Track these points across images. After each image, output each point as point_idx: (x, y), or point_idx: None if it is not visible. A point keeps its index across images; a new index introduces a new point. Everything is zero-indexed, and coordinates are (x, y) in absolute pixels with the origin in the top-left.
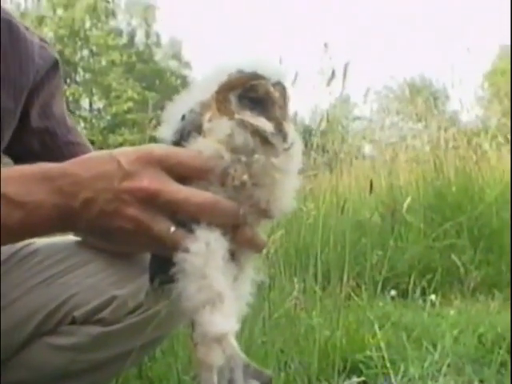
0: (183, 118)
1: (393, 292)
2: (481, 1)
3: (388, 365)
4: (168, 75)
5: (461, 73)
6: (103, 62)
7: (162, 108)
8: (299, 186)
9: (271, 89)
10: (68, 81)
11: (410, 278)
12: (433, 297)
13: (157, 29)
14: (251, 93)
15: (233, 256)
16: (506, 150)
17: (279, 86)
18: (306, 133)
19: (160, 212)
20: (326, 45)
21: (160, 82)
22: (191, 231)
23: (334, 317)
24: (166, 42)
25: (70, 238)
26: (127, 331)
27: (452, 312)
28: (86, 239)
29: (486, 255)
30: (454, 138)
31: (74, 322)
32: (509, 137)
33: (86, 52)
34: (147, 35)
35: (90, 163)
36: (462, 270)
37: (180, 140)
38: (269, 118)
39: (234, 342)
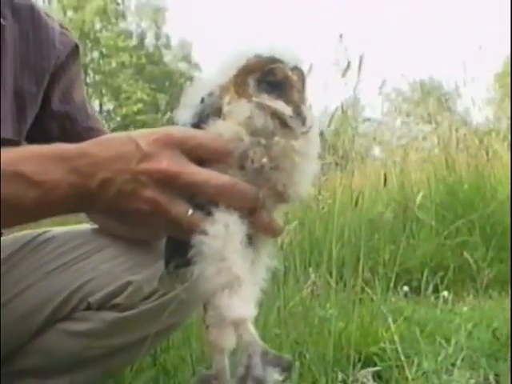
0: (202, 100)
1: (405, 288)
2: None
3: (402, 358)
4: (177, 77)
5: (472, 71)
6: (113, 64)
7: (172, 109)
8: (317, 170)
9: (289, 72)
10: None
11: (422, 275)
12: (445, 293)
13: (166, 31)
14: (269, 76)
15: (250, 240)
16: None
17: (297, 70)
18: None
19: (178, 194)
20: (341, 36)
21: (170, 84)
22: (208, 214)
23: (349, 309)
24: (175, 44)
25: (85, 226)
26: (142, 317)
27: (465, 308)
28: (101, 225)
29: (498, 253)
30: (465, 138)
31: (89, 307)
32: None
33: (96, 54)
34: (157, 37)
35: (108, 144)
36: (474, 267)
37: (199, 122)
38: (287, 102)
39: (252, 328)
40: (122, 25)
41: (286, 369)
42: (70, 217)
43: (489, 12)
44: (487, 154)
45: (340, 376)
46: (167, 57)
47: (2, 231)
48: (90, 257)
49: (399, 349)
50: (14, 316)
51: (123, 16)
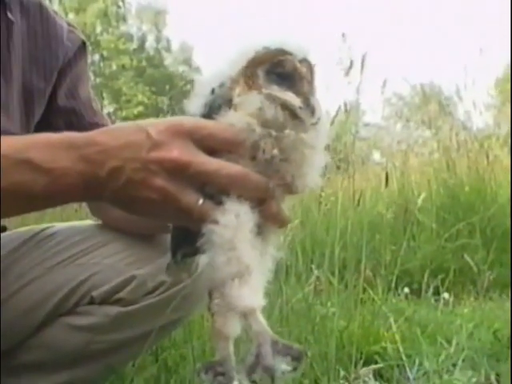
0: (213, 91)
1: (406, 290)
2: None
3: (403, 357)
4: (178, 80)
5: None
6: (114, 67)
7: (173, 113)
8: (325, 162)
9: (298, 64)
10: None
11: (422, 277)
12: (446, 295)
13: (167, 34)
14: (278, 68)
15: (259, 230)
16: None
17: (306, 61)
18: None
19: (189, 184)
20: (343, 35)
21: (170, 87)
22: (218, 204)
23: (350, 308)
24: (176, 47)
25: (89, 221)
26: (146, 312)
27: (466, 310)
28: (104, 220)
29: (498, 255)
30: (466, 143)
31: (92, 302)
32: None
33: (96, 56)
34: (158, 40)
35: (117, 133)
36: (474, 270)
37: (210, 113)
38: (296, 93)
39: (261, 318)
40: (122, 28)
41: (296, 358)
42: (72, 214)
43: (489, 12)
44: (487, 158)
45: (342, 374)
46: (168, 60)
47: (7, 226)
48: (93, 251)
49: (400, 348)
50: (17, 310)
51: (124, 19)
